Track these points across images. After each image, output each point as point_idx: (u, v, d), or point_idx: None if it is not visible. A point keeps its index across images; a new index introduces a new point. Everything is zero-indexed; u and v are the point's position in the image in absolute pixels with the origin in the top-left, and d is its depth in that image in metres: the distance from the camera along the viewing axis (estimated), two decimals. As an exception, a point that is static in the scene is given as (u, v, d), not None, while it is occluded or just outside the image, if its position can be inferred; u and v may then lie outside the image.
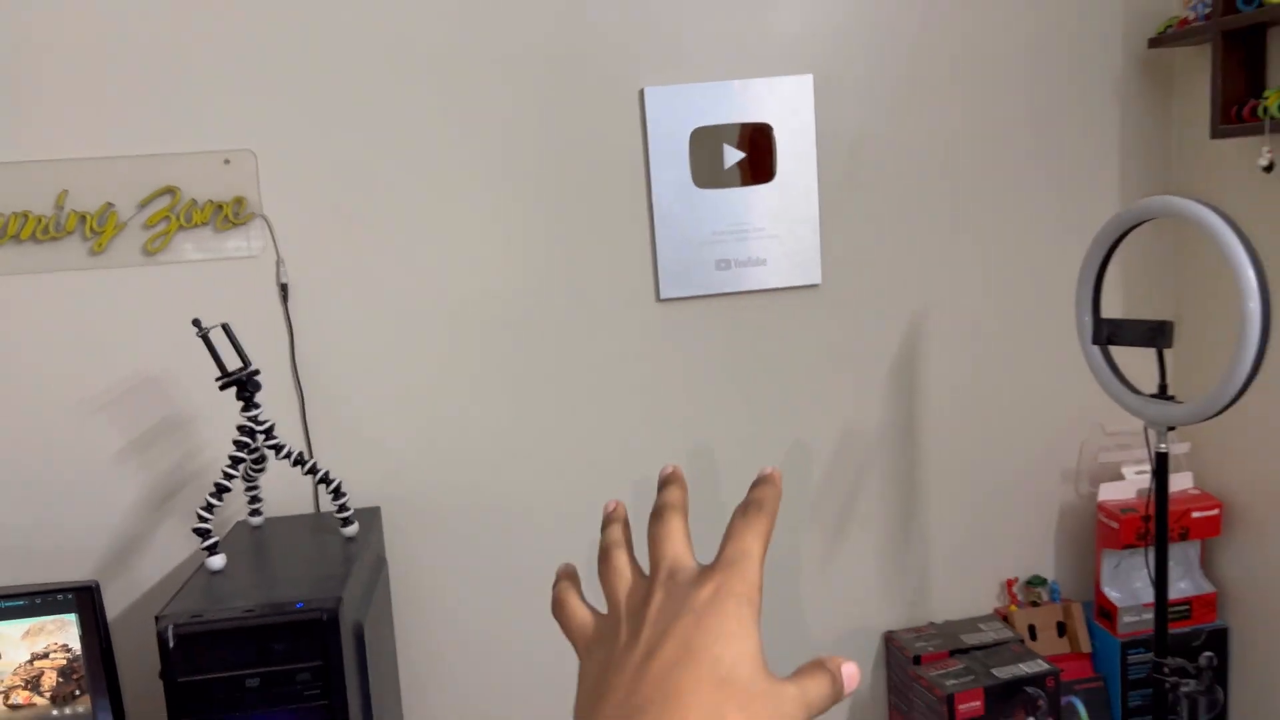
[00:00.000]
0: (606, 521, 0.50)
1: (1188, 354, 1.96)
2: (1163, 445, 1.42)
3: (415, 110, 1.73)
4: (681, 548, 0.45)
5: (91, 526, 1.71)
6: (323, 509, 1.76)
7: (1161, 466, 1.44)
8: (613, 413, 1.85)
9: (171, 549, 1.73)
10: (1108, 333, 1.42)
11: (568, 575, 0.49)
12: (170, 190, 1.68)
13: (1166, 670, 1.50)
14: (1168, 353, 1.40)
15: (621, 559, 0.47)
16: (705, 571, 0.43)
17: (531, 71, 1.75)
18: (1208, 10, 1.73)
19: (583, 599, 0.47)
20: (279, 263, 1.72)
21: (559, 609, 0.47)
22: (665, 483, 0.50)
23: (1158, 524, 1.47)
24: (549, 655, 1.87)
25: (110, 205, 1.67)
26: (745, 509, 0.44)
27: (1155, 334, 1.33)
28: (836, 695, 0.41)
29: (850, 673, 0.42)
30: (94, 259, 1.68)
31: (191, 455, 1.73)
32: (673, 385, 1.87)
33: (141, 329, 1.70)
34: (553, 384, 1.83)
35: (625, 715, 0.38)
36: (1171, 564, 1.93)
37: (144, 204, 1.68)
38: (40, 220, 1.65)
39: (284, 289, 1.73)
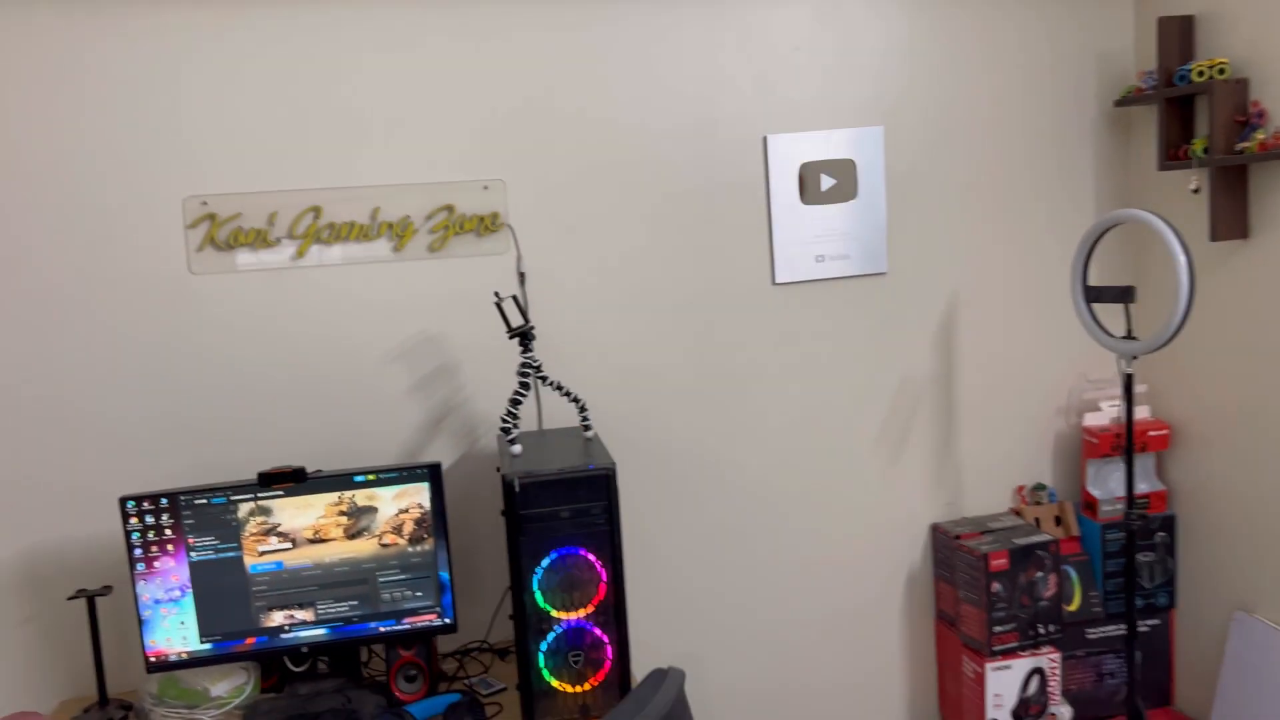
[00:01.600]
0: None
1: (1143, 312, 2.75)
2: (1129, 369, 2.20)
3: (609, 153, 2.49)
4: None
5: (392, 437, 2.44)
6: (545, 427, 2.51)
7: (1129, 384, 2.22)
8: (742, 362, 2.62)
9: (444, 454, 2.47)
10: (1093, 296, 2.20)
11: None
12: (448, 208, 2.43)
13: (1134, 515, 2.27)
14: (1131, 308, 2.19)
15: None
16: None
17: (693, 129, 2.51)
18: (1155, 83, 2.53)
19: None
20: (519, 258, 2.47)
21: None
22: None
23: (1127, 421, 2.26)
24: (699, 525, 2.63)
25: (408, 217, 2.41)
26: None
27: (1124, 294, 2.12)
28: None
29: None
30: (396, 255, 2.42)
31: (456, 391, 2.48)
32: (784, 343, 2.63)
33: (426, 303, 2.44)
34: (701, 342, 2.59)
35: None
36: (1135, 470, 2.72)
37: (430, 216, 2.43)
38: (362, 228, 2.39)
39: (522, 276, 2.48)
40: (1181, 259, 2.04)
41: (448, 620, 2.20)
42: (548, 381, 2.28)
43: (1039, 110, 2.70)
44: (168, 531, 2.09)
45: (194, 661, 2.13)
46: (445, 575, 2.19)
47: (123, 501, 2.06)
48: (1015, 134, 2.70)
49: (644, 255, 2.54)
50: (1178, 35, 2.47)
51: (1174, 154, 2.49)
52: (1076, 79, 2.72)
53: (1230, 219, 2.38)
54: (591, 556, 2.04)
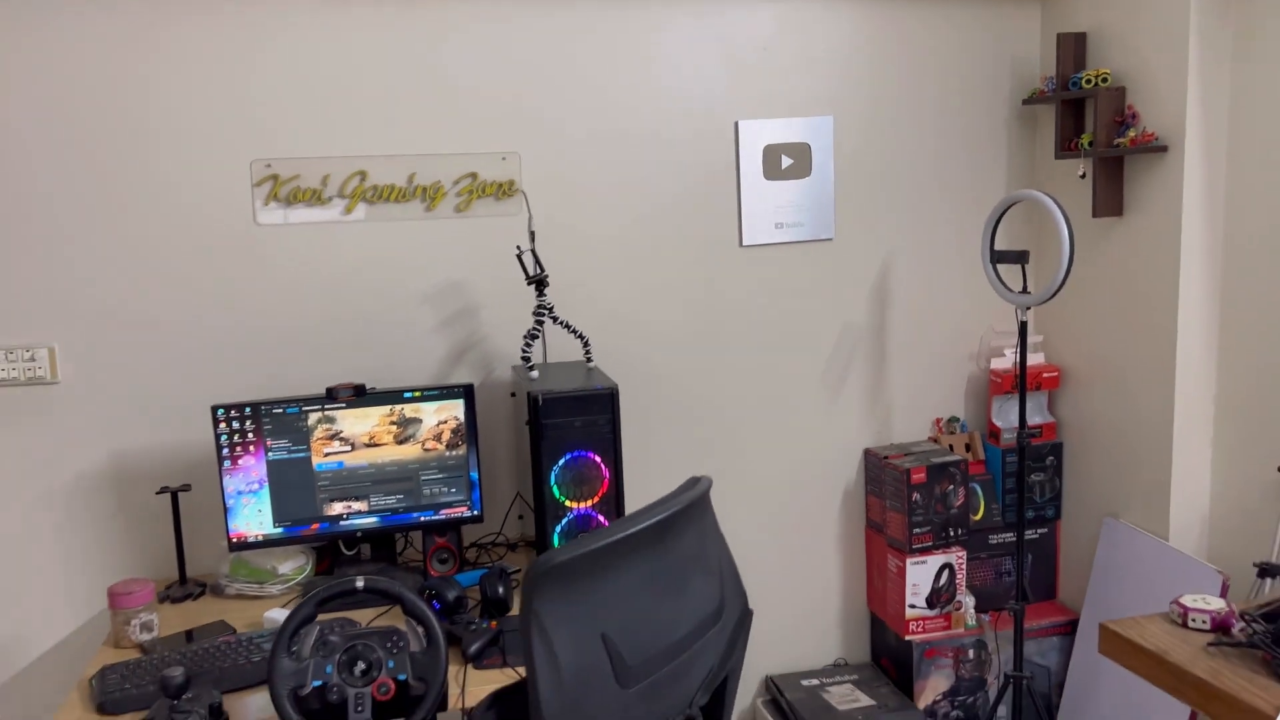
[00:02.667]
0: None
1: (1041, 273, 3.33)
2: (1024, 318, 2.77)
3: (608, 131, 2.98)
4: None
5: (422, 369, 2.92)
6: (549, 360, 3.00)
7: (1023, 330, 2.79)
8: (714, 309, 3.14)
9: (461, 377, 2.96)
10: (997, 258, 2.77)
11: None
12: (472, 175, 2.90)
13: (1025, 435, 2.85)
14: (1028, 268, 2.76)
15: None
16: None
17: (677, 113, 3.01)
18: (1054, 87, 3.09)
19: None
20: (529, 218, 2.96)
21: None
22: None
23: (1021, 360, 2.83)
24: (678, 441, 3.16)
25: (439, 182, 2.88)
26: None
27: (1020, 256, 2.68)
28: None
29: None
30: (427, 214, 2.89)
31: (476, 329, 2.96)
32: (748, 295, 3.16)
33: (452, 254, 2.91)
34: (681, 292, 3.10)
35: None
36: (1030, 405, 3.31)
37: (457, 182, 2.89)
38: (400, 189, 2.86)
39: (532, 234, 2.96)
40: (1064, 230, 2.61)
41: (476, 512, 2.70)
42: (558, 321, 2.78)
43: (962, 105, 3.25)
44: (250, 435, 2.55)
45: (268, 542, 2.61)
46: (475, 475, 2.68)
47: (214, 409, 2.52)
48: (942, 124, 3.24)
49: (634, 217, 3.04)
50: (1072, 49, 3.03)
51: (1068, 145, 3.06)
52: (993, 81, 3.27)
53: (1109, 200, 2.95)
54: (597, 458, 2.55)
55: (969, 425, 3.41)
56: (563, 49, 2.92)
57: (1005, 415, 3.30)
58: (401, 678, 2.01)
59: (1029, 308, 2.76)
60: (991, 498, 3.30)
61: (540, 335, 2.77)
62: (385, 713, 2.02)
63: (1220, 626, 2.18)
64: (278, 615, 2.43)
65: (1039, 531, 3.35)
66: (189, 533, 2.81)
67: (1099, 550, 3.13)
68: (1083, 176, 3.00)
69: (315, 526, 2.63)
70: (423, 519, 2.68)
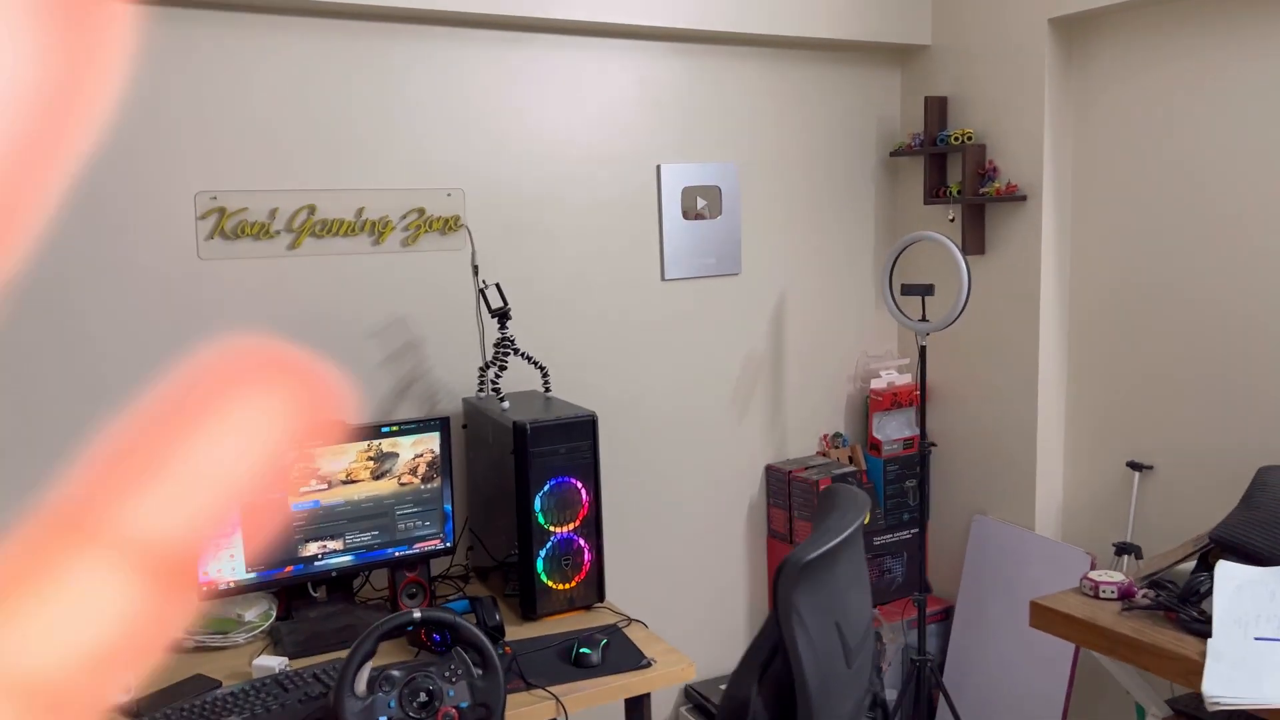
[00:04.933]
0: None
1: (938, 303, 3.78)
2: (923, 343, 3.17)
3: (545, 173, 3.11)
4: None
5: (368, 402, 2.90)
6: (502, 391, 3.06)
7: (922, 354, 3.19)
8: (640, 338, 3.33)
9: (406, 412, 2.96)
10: (905, 291, 3.15)
11: None
12: (419, 210, 2.93)
13: (930, 443, 3.24)
14: (929, 300, 3.15)
15: None
16: None
17: (607, 156, 3.19)
18: (921, 142, 3.54)
19: None
20: (473, 252, 3.02)
21: None
22: None
23: (920, 383, 3.22)
24: (615, 461, 3.30)
25: (387, 217, 2.89)
26: None
27: (926, 289, 3.08)
28: None
29: None
30: (375, 248, 2.89)
31: (421, 361, 2.98)
32: (669, 322, 3.38)
33: (399, 288, 2.93)
34: (608, 322, 3.27)
35: None
36: (900, 420, 3.74)
37: (404, 216, 2.92)
38: (349, 224, 2.84)
39: (475, 267, 3.03)
40: (962, 267, 3.03)
41: (448, 544, 2.73)
42: (519, 353, 2.87)
43: (840, 157, 3.65)
44: (225, 477, 2.45)
45: (240, 589, 2.51)
46: (449, 507, 2.71)
47: (187, 452, 2.41)
48: (824, 173, 3.62)
49: (568, 253, 3.18)
50: (937, 110, 3.50)
51: (935, 193, 3.52)
52: (863, 135, 3.69)
53: (974, 240, 3.43)
54: (579, 484, 2.67)
55: (850, 439, 3.79)
56: (505, 92, 3.02)
57: (885, 430, 3.71)
58: (464, 705, 2.05)
59: (928, 334, 3.17)
60: (875, 504, 3.68)
61: (507, 367, 2.85)
62: (449, 741, 2.05)
63: (1125, 595, 2.62)
64: (269, 662, 2.35)
65: (911, 532, 3.77)
66: (129, 586, 2.63)
67: (969, 545, 3.59)
68: (952, 220, 3.47)
69: (289, 569, 2.56)
70: (396, 554, 2.67)
